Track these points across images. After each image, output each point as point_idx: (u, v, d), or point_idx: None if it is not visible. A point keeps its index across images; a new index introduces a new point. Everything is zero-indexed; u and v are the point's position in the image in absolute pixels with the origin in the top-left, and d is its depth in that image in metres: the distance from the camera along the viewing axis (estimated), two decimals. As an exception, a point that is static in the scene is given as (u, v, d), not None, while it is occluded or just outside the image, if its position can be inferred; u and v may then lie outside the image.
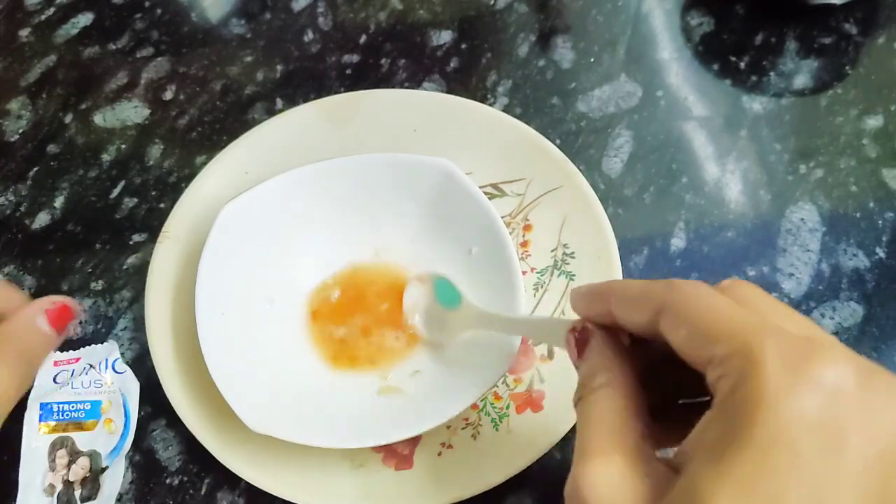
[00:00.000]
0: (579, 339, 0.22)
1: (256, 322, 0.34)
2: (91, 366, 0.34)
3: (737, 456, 0.14)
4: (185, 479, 0.34)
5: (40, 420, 0.34)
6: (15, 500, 0.33)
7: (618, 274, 0.34)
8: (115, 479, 0.34)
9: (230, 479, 0.33)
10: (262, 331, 0.34)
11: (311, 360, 0.34)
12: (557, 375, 0.33)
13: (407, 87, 0.45)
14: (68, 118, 0.46)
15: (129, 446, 0.34)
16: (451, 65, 0.46)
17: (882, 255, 0.37)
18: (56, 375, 0.33)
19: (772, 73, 0.44)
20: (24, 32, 0.50)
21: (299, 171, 0.35)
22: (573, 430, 0.32)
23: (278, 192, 0.35)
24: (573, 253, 0.36)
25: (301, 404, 0.32)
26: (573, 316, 0.23)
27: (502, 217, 0.37)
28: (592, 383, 0.20)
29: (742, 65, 0.44)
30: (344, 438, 0.30)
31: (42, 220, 0.42)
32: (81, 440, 0.34)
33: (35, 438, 0.34)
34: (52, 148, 0.45)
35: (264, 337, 0.34)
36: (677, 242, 0.38)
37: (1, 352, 0.28)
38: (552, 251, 0.36)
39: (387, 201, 0.36)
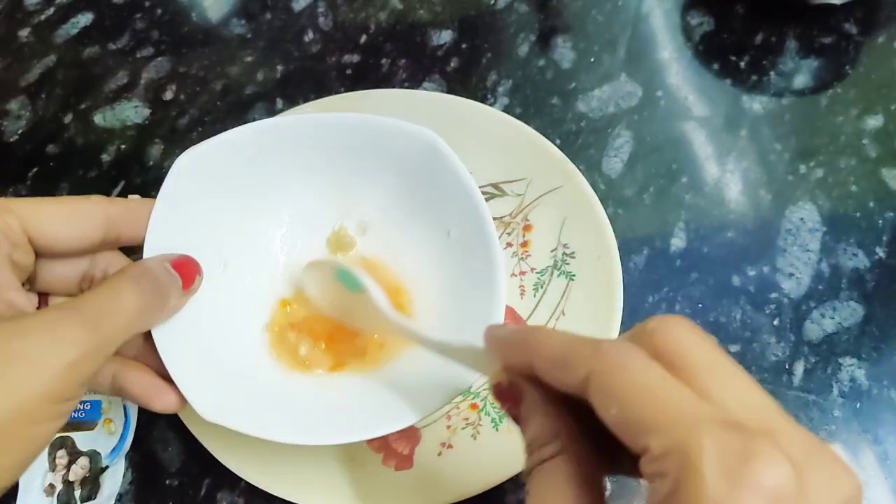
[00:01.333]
0: (507, 393, 0.21)
1: (208, 290, 0.31)
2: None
3: None
4: (185, 479, 0.34)
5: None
6: (15, 500, 0.33)
7: (618, 274, 0.34)
8: (115, 479, 0.34)
9: (230, 480, 0.33)
10: (214, 301, 0.31)
11: (265, 347, 0.32)
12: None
13: (407, 87, 0.45)
14: (68, 118, 0.46)
15: (128, 446, 0.34)
16: (452, 65, 0.46)
17: (882, 254, 0.37)
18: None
19: (772, 73, 0.44)
20: (23, 32, 0.50)
21: (268, 121, 0.32)
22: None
23: (243, 144, 0.32)
24: (573, 253, 0.36)
25: (255, 393, 0.30)
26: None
27: (502, 217, 0.37)
28: (542, 454, 0.19)
29: (742, 64, 0.44)
30: (298, 433, 0.28)
31: (42, 220, 0.42)
32: (81, 440, 0.34)
33: (35, 438, 0.34)
34: (51, 148, 0.45)
35: (216, 309, 0.31)
36: (677, 242, 0.38)
37: (139, 283, 0.25)
38: (552, 251, 0.36)
39: (362, 167, 0.33)
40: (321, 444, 0.27)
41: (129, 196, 0.35)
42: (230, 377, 0.30)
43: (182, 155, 0.31)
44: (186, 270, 0.28)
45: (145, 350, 0.27)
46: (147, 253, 0.29)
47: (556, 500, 0.17)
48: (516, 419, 0.21)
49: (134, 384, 0.27)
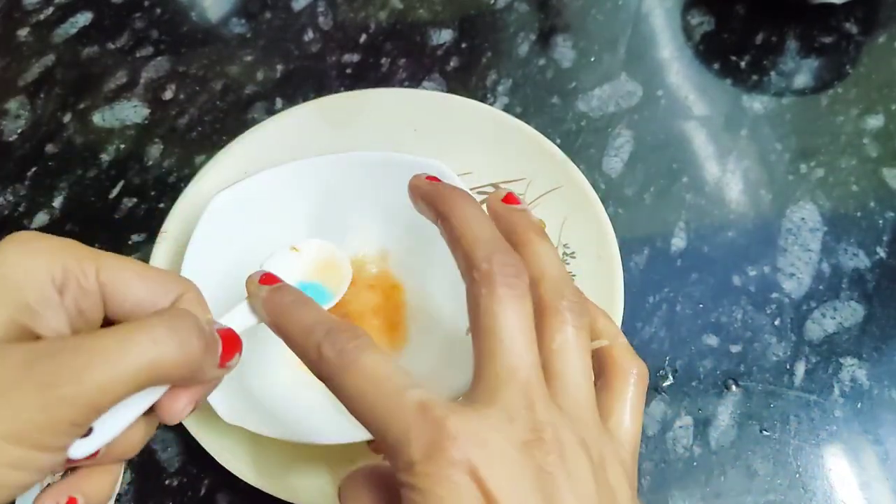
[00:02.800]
0: None
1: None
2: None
3: None
4: (185, 479, 0.34)
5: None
6: (13, 501, 0.33)
7: (618, 274, 0.34)
8: (114, 485, 0.34)
9: (229, 480, 0.33)
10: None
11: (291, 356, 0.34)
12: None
13: (407, 87, 0.45)
14: (67, 118, 0.46)
15: (128, 447, 0.34)
16: (452, 64, 0.46)
17: (883, 254, 0.37)
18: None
19: (772, 73, 0.44)
20: (22, 32, 0.50)
21: (293, 165, 0.35)
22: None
23: (270, 185, 0.35)
24: (573, 253, 0.36)
25: (277, 399, 0.31)
26: None
27: (502, 217, 0.38)
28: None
29: (742, 64, 0.44)
30: (318, 435, 0.29)
31: (41, 220, 0.42)
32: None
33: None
34: (50, 148, 0.45)
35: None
36: (678, 242, 0.38)
37: (153, 332, 0.20)
38: (552, 251, 0.36)
39: (378, 200, 0.36)
40: (338, 442, 0.29)
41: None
42: (248, 380, 0.31)
43: (215, 196, 0.34)
44: (231, 342, 0.23)
45: None
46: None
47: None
48: None
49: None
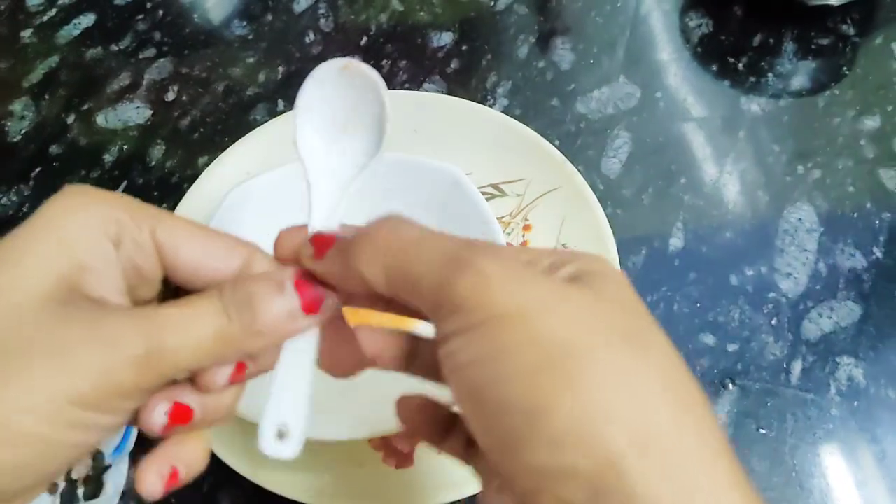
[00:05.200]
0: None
1: None
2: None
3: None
4: (188, 477, 0.34)
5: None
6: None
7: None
8: (119, 477, 0.34)
9: (232, 478, 0.33)
10: None
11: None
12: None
13: (407, 89, 0.45)
14: (71, 119, 0.46)
15: (132, 444, 0.34)
16: (452, 66, 0.46)
17: (879, 254, 0.38)
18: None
19: (770, 75, 0.44)
20: (26, 34, 0.50)
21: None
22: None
23: (286, 182, 0.34)
24: (572, 253, 0.36)
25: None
26: None
27: (502, 217, 0.38)
28: None
29: (740, 66, 0.44)
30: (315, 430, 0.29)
31: (45, 220, 0.42)
32: (84, 438, 0.35)
33: (38, 437, 0.34)
34: (54, 149, 0.45)
35: None
36: (676, 242, 0.39)
37: (239, 300, 0.19)
38: (552, 251, 0.37)
39: (394, 203, 0.36)
40: (347, 438, 0.29)
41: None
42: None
43: (233, 190, 0.33)
44: (308, 292, 0.21)
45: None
46: None
47: None
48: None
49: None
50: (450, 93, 0.43)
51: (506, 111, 0.43)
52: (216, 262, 0.21)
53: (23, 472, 0.17)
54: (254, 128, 0.40)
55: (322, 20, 0.49)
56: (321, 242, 0.21)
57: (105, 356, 0.17)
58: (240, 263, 0.21)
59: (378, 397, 0.32)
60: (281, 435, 0.20)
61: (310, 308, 0.20)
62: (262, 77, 0.47)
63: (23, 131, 0.46)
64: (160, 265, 0.21)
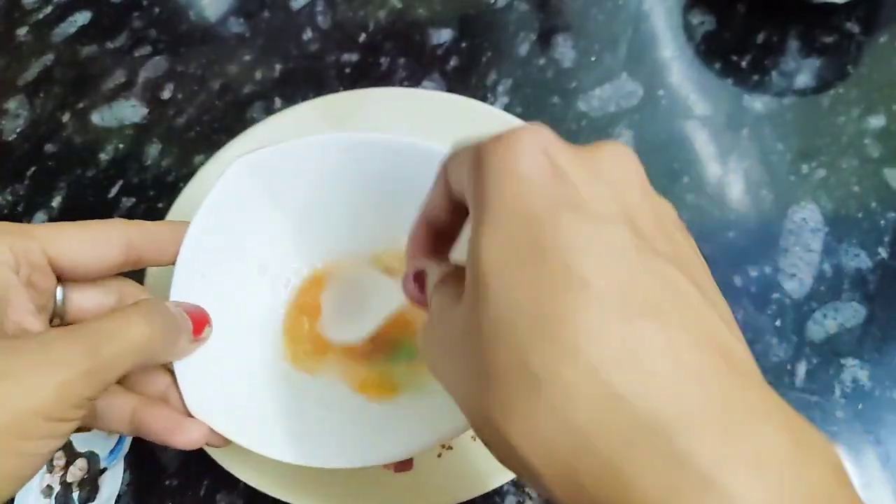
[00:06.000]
0: (414, 285, 0.23)
1: (242, 293, 0.31)
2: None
3: (483, 216, 0.17)
4: (184, 480, 0.34)
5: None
6: (12, 502, 0.33)
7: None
8: (115, 480, 0.34)
9: (228, 481, 0.33)
10: (245, 305, 0.31)
11: (285, 356, 0.31)
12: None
13: (407, 86, 0.45)
14: (66, 117, 0.46)
15: (127, 448, 0.34)
16: (451, 64, 0.46)
17: (884, 255, 0.37)
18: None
19: (773, 73, 0.43)
20: (21, 31, 0.50)
21: (324, 137, 0.31)
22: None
23: (296, 155, 0.31)
24: (574, 253, 0.35)
25: (263, 401, 0.29)
26: None
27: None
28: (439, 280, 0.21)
29: (744, 64, 0.44)
30: (302, 453, 0.26)
31: (40, 219, 0.42)
32: (79, 441, 0.34)
33: (32, 440, 0.34)
34: (49, 147, 0.45)
35: (247, 312, 0.31)
36: (678, 242, 0.38)
37: (149, 315, 0.24)
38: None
39: (410, 189, 0.30)
40: (336, 467, 0.26)
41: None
42: (256, 400, 0.29)
43: (236, 161, 0.31)
44: (198, 319, 0.27)
45: (171, 389, 0.27)
46: (182, 255, 0.28)
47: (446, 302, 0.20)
48: (422, 303, 0.23)
49: (155, 419, 0.26)
50: (449, 90, 0.43)
51: (506, 109, 0.43)
52: (101, 254, 0.25)
53: (8, 482, 0.21)
54: (250, 126, 0.39)
55: (320, 17, 0.49)
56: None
57: (60, 374, 0.21)
58: (122, 247, 0.26)
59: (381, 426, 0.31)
60: None
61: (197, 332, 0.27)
62: (258, 75, 0.46)
63: (18, 130, 0.45)
64: (53, 276, 0.25)
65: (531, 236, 0.16)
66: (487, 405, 0.16)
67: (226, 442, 0.26)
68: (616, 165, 0.18)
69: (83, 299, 0.26)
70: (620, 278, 0.15)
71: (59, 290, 0.25)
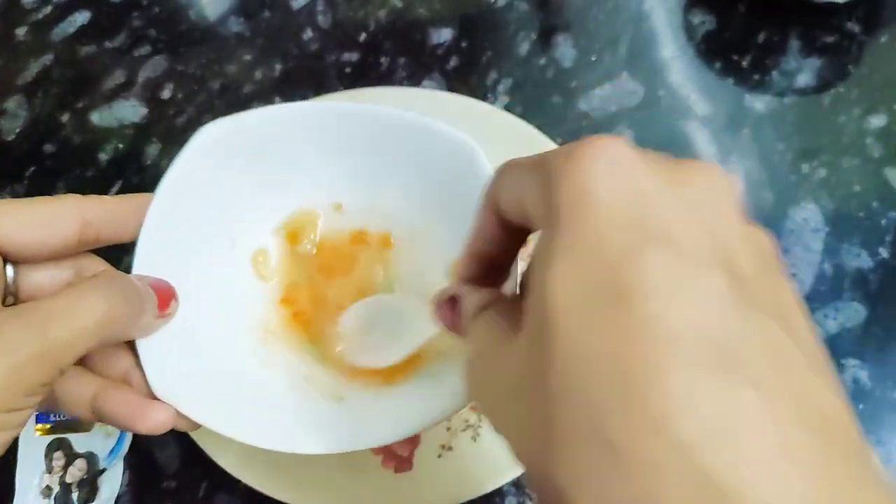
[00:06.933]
0: (445, 306, 0.21)
1: (211, 267, 0.29)
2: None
3: (556, 242, 0.15)
4: (183, 481, 0.34)
5: (37, 422, 0.34)
6: (11, 502, 0.33)
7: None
8: (114, 481, 0.34)
9: (228, 482, 0.32)
10: (214, 279, 0.29)
11: (258, 333, 0.30)
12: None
13: (407, 86, 0.45)
14: (65, 117, 0.46)
15: (126, 448, 0.34)
16: (452, 63, 0.45)
17: (885, 255, 0.37)
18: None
19: (774, 72, 0.43)
20: (20, 31, 0.49)
21: (300, 104, 0.30)
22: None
23: (269, 124, 0.29)
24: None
25: (235, 382, 0.27)
26: None
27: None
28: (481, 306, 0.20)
29: (744, 63, 0.44)
30: (300, 441, 0.25)
31: (39, 219, 0.42)
32: (78, 442, 0.34)
33: (31, 440, 0.34)
34: (48, 147, 0.44)
35: (216, 286, 0.29)
36: (679, 242, 0.38)
37: (107, 289, 0.22)
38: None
39: (393, 163, 0.31)
40: (325, 452, 0.25)
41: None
42: (228, 383, 0.27)
43: (207, 126, 0.28)
44: (164, 293, 0.25)
45: (133, 370, 0.25)
46: (150, 219, 0.27)
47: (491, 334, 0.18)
48: (455, 328, 0.21)
49: (116, 404, 0.23)
50: (450, 90, 0.43)
51: (507, 109, 0.43)
52: (53, 230, 0.23)
53: None
54: (251, 126, 0.39)
55: (320, 16, 0.48)
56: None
57: (7, 359, 0.19)
58: (76, 224, 0.24)
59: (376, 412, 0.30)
60: None
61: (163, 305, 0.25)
62: (258, 74, 0.46)
63: (17, 130, 0.45)
64: (1, 256, 0.23)
65: (611, 274, 0.14)
66: (551, 465, 0.14)
67: (195, 426, 0.24)
68: (709, 191, 0.16)
69: (37, 276, 0.24)
70: (715, 334, 0.13)
71: (9, 268, 0.23)
